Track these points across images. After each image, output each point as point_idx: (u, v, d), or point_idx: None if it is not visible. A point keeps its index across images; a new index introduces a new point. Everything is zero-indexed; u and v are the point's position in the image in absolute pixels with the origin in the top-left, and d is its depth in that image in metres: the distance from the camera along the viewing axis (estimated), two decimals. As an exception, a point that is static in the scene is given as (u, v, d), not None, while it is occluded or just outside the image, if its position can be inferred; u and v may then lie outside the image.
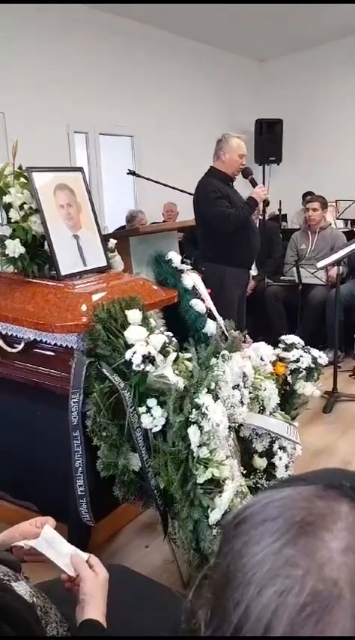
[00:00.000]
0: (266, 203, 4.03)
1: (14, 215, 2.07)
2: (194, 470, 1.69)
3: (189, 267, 2.55)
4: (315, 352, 2.44)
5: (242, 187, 3.90)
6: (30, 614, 0.87)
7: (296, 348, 2.43)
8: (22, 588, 0.90)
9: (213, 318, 2.46)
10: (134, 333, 1.88)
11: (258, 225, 4.33)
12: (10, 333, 2.13)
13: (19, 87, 5.16)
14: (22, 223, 2.07)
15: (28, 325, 2.02)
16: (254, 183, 3.75)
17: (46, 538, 1.10)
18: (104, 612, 1.00)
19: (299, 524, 0.40)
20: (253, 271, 4.63)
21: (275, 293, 4.97)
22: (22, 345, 2.11)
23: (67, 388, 1.88)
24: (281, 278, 5.17)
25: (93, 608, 0.98)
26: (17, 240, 2.06)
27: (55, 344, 2.04)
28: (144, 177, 4.89)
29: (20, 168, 2.14)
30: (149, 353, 1.79)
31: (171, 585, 1.90)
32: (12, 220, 2.08)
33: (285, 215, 7.03)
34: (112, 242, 2.44)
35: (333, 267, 4.16)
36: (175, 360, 1.91)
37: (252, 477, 2.10)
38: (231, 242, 3.61)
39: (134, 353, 1.79)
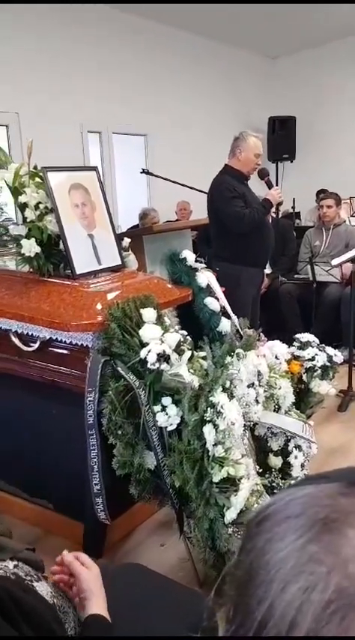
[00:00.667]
0: (279, 204, 4.01)
1: (30, 215, 2.08)
2: (209, 468, 1.69)
3: (203, 265, 2.55)
4: (330, 350, 2.43)
5: (255, 187, 3.88)
6: (51, 614, 0.87)
7: (311, 346, 2.42)
8: (43, 589, 0.91)
9: (228, 317, 2.45)
10: (149, 331, 1.88)
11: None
12: (25, 332, 2.14)
13: (33, 87, 5.18)
14: (37, 223, 2.08)
15: (43, 324, 2.03)
16: (270, 185, 3.73)
17: None
18: (105, 606, 0.99)
19: (323, 521, 0.40)
20: (267, 269, 4.61)
21: (289, 291, 4.95)
22: (38, 343, 2.13)
23: (83, 387, 1.89)
24: (296, 276, 5.15)
25: (95, 603, 0.98)
26: (33, 239, 2.07)
27: (71, 343, 2.05)
28: (158, 176, 4.89)
29: (35, 168, 2.15)
30: (164, 351, 1.79)
31: (187, 584, 1.90)
32: (27, 220, 2.09)
33: (299, 213, 7.00)
34: (126, 241, 2.44)
35: (348, 264, 4.13)
36: (190, 359, 1.91)
37: (267, 475, 2.10)
38: (245, 241, 3.59)
39: (149, 351, 1.79)
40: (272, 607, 0.38)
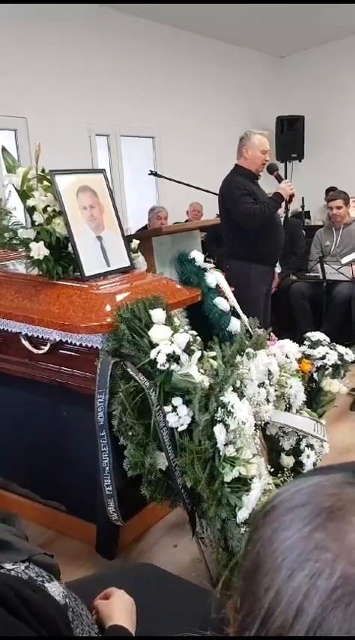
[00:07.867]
0: (292, 197, 3.97)
1: (38, 218, 2.09)
2: (221, 468, 1.69)
3: (212, 265, 2.55)
4: (342, 349, 2.42)
5: (267, 186, 3.88)
6: (60, 615, 0.87)
7: (321, 344, 2.41)
8: (55, 589, 0.90)
9: (237, 316, 2.45)
10: (158, 332, 1.88)
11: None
12: (36, 335, 2.15)
13: (40, 92, 5.22)
14: (45, 226, 2.09)
15: (53, 326, 2.04)
16: (279, 179, 3.74)
17: None
18: (129, 624, 1.04)
19: (329, 510, 0.40)
20: (277, 268, 4.60)
21: (299, 290, 4.93)
22: (48, 346, 2.14)
23: (93, 388, 1.89)
24: (306, 274, 5.13)
25: (116, 621, 1.03)
26: (41, 242, 2.08)
27: (80, 344, 2.05)
28: (166, 178, 4.89)
29: (43, 171, 2.16)
30: (173, 352, 1.79)
31: (200, 584, 1.89)
32: (36, 223, 2.10)
33: (308, 212, 6.98)
34: (135, 243, 2.45)
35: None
36: (200, 359, 1.91)
37: (279, 475, 2.09)
38: (255, 239, 3.60)
39: (159, 352, 1.79)
40: (279, 594, 0.38)
